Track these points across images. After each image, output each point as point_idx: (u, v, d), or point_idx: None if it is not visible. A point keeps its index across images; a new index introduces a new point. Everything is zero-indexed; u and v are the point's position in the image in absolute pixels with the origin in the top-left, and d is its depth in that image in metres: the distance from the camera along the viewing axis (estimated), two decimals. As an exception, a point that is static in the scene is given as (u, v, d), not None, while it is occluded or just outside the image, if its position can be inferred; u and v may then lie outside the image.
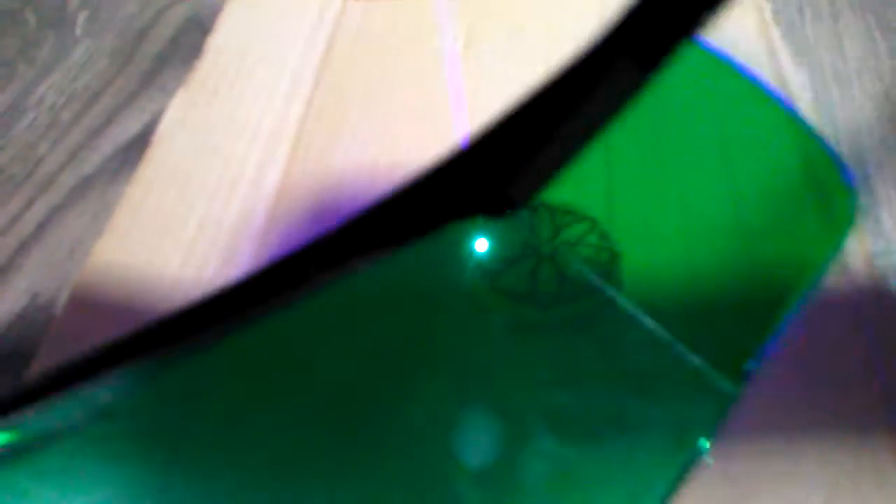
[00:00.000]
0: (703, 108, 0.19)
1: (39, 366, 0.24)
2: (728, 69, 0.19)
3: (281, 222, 0.27)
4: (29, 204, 0.29)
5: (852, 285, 0.23)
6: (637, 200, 0.19)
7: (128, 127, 0.32)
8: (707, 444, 0.17)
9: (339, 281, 0.14)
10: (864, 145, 0.27)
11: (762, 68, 0.29)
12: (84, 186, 0.30)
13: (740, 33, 0.31)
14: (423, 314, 0.18)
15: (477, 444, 0.17)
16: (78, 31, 0.36)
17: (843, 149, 0.27)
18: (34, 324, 0.26)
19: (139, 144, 0.31)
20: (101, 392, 0.13)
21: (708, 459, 0.17)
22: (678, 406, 0.17)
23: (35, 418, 0.13)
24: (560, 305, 0.18)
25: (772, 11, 0.31)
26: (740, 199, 0.19)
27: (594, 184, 0.19)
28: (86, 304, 0.25)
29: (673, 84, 0.17)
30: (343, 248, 0.13)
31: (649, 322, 0.17)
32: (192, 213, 0.27)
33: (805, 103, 0.28)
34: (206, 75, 0.32)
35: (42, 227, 0.29)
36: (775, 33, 0.31)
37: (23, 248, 0.28)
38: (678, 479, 0.17)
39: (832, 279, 0.23)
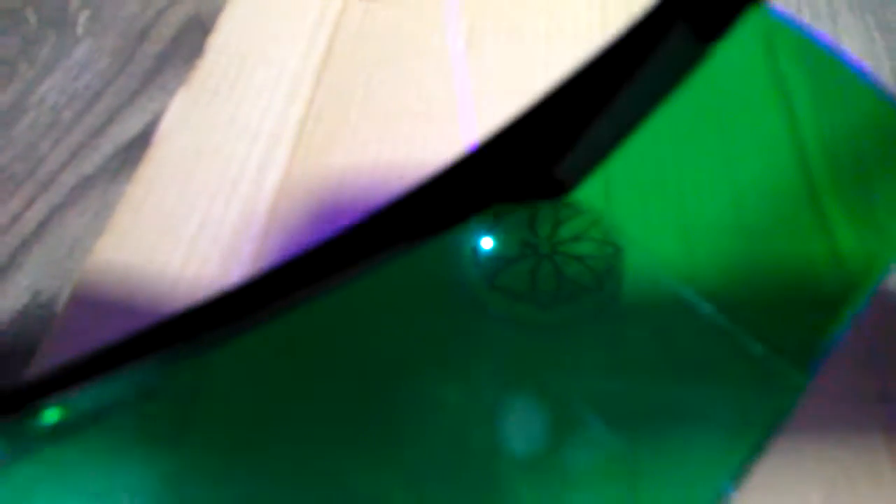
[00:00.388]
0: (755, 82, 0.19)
1: (40, 363, 0.24)
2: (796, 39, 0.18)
3: (281, 222, 0.27)
4: (30, 203, 0.29)
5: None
6: (638, 193, 0.19)
7: (129, 126, 0.32)
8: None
9: (362, 276, 0.14)
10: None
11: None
12: (85, 185, 0.30)
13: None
14: (434, 312, 0.18)
15: (522, 432, 0.17)
16: (79, 30, 0.36)
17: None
18: (35, 321, 0.26)
19: (140, 144, 0.31)
20: (145, 373, 0.13)
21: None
22: (741, 395, 0.17)
23: (83, 397, 0.13)
24: (559, 305, 0.18)
25: (771, 12, 0.32)
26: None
27: (594, 176, 0.19)
28: (87, 302, 0.25)
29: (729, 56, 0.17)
30: (382, 233, 0.13)
31: (707, 308, 0.17)
32: (192, 213, 0.27)
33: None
34: (207, 75, 0.32)
35: (43, 225, 0.29)
36: None
37: (24, 246, 0.28)
38: (738, 472, 0.17)
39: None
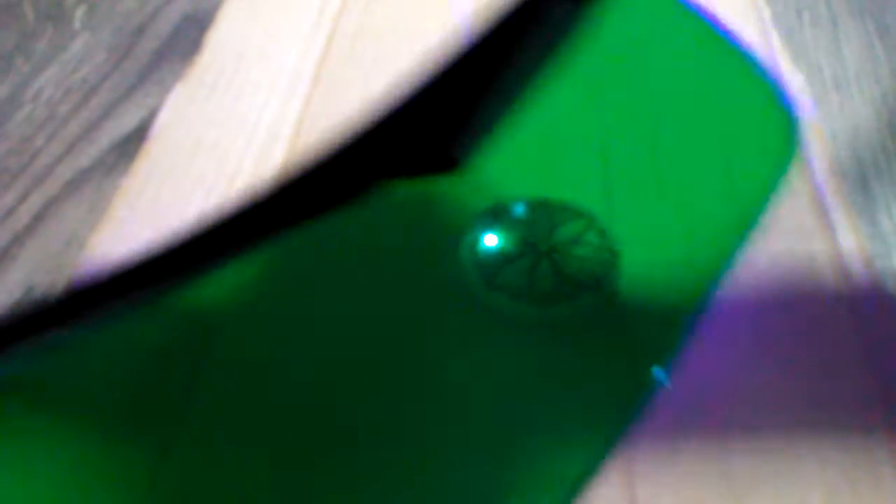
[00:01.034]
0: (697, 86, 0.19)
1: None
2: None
3: (278, 217, 0.27)
4: (25, 196, 0.29)
5: (851, 286, 0.23)
6: (636, 197, 0.19)
7: (125, 121, 0.31)
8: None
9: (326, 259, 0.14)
10: (862, 149, 0.27)
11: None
12: (80, 179, 0.30)
13: (741, 35, 0.31)
14: (420, 312, 0.17)
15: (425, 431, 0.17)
16: (76, 24, 0.36)
17: (841, 152, 0.27)
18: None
19: (136, 138, 0.30)
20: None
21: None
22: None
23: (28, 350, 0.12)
24: (558, 303, 0.18)
25: (771, 15, 0.31)
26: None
27: (592, 180, 0.19)
28: (81, 295, 0.25)
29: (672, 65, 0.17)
30: (271, 209, 0.13)
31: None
32: (188, 208, 0.27)
33: (804, 104, 0.28)
34: (204, 70, 0.32)
35: (38, 219, 0.28)
36: (775, 37, 0.31)
37: (18, 240, 0.28)
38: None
39: (832, 280, 0.23)
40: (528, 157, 0.18)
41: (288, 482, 0.16)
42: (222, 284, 0.15)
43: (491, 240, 0.19)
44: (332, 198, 0.13)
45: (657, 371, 0.17)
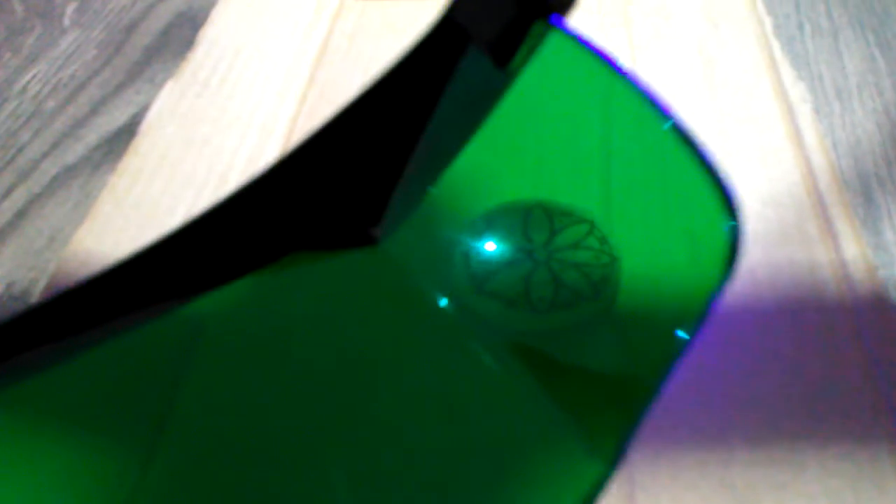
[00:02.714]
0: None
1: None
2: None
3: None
4: (8, 192, 0.28)
5: (854, 296, 0.23)
6: (635, 204, 0.19)
7: (114, 118, 0.31)
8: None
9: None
10: (864, 159, 0.26)
11: (762, 79, 0.29)
12: (66, 176, 0.29)
13: (741, 44, 0.31)
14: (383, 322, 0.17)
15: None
16: (66, 21, 0.35)
17: (843, 162, 0.26)
18: (8, 313, 0.25)
19: (125, 135, 0.30)
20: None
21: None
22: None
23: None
24: (556, 311, 0.18)
25: (773, 25, 0.31)
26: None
27: (593, 186, 0.18)
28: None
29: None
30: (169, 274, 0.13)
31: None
32: (178, 205, 0.26)
33: (804, 115, 0.28)
34: (197, 67, 0.31)
35: (20, 215, 0.28)
36: (776, 46, 0.30)
37: None
38: None
39: (834, 289, 0.23)
40: (526, 164, 0.18)
41: (269, 490, 0.15)
42: (207, 306, 0.15)
43: (484, 245, 0.18)
44: (245, 264, 0.13)
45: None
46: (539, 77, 0.16)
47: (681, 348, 0.17)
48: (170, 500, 0.15)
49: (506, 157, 0.18)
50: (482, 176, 0.18)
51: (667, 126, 0.16)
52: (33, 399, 0.14)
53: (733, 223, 0.16)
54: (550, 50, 0.15)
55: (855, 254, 0.24)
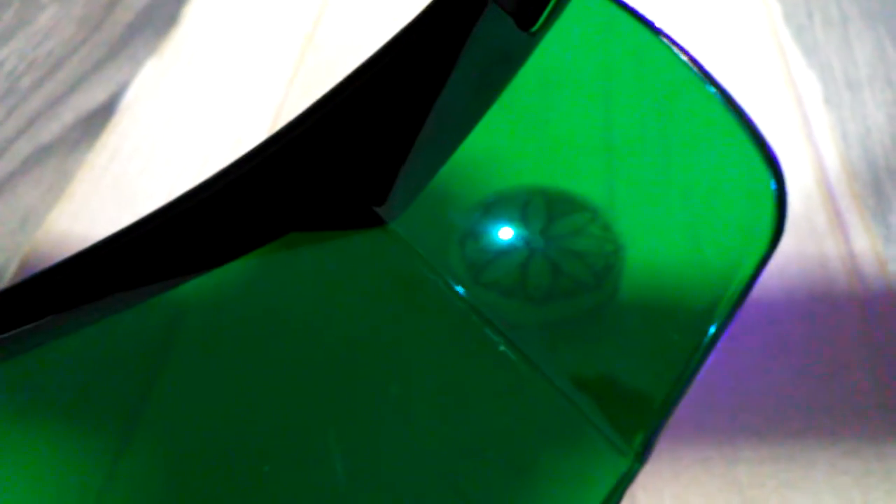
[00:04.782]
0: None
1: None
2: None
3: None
4: (-21, 170, 0.27)
5: (864, 289, 0.22)
6: (640, 192, 0.18)
7: (93, 96, 0.29)
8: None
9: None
10: (874, 151, 0.26)
11: (771, 66, 0.29)
12: (41, 155, 0.28)
13: (749, 31, 0.30)
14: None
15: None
16: (45, -3, 0.34)
17: (853, 153, 0.26)
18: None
19: (104, 114, 0.29)
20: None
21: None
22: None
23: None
24: (555, 301, 0.17)
25: (782, 14, 0.31)
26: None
27: (595, 173, 0.17)
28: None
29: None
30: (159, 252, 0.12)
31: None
32: (158, 186, 0.25)
33: (814, 106, 0.27)
34: (180, 45, 0.30)
35: (-8, 194, 0.26)
36: (785, 34, 0.30)
37: (-30, 214, 0.26)
38: None
39: (844, 282, 0.22)
40: (527, 151, 0.17)
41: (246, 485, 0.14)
42: (188, 294, 0.14)
43: (482, 232, 0.17)
44: (242, 243, 0.12)
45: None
46: (562, 41, 0.14)
47: (709, 339, 0.16)
48: (149, 486, 0.14)
49: (520, 132, 0.17)
50: (490, 156, 0.17)
51: (712, 90, 0.14)
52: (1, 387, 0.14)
53: (779, 198, 0.15)
54: (576, 9, 0.14)
55: (865, 246, 0.23)
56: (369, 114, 0.13)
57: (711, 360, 0.21)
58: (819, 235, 0.23)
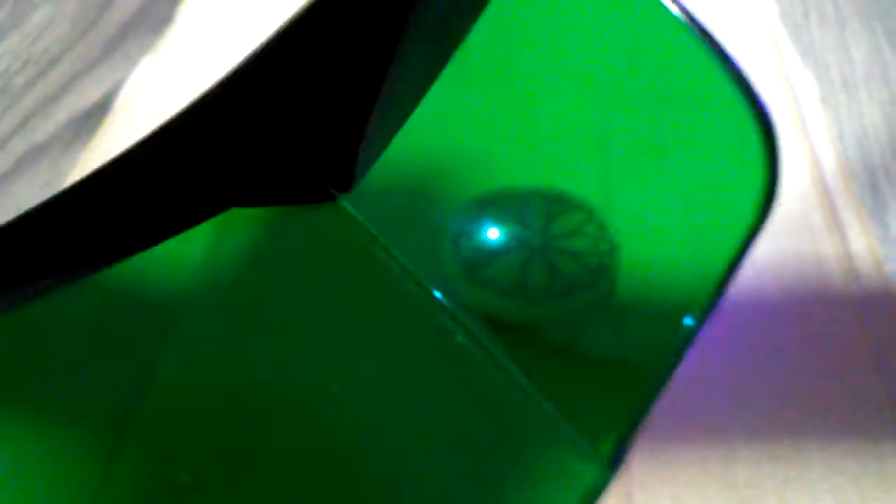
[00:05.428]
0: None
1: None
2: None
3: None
4: (-27, 169, 0.27)
5: (861, 289, 0.22)
6: (636, 191, 0.18)
7: (87, 95, 0.29)
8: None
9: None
10: (871, 150, 0.26)
11: (766, 64, 0.29)
12: (35, 154, 0.28)
13: (746, 30, 0.30)
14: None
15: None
16: (39, -5, 0.34)
17: (850, 153, 0.26)
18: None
19: (98, 113, 0.28)
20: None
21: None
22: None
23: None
24: (552, 300, 0.17)
25: (778, 13, 0.31)
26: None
27: (590, 172, 0.17)
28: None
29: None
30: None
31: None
32: (152, 185, 0.25)
33: (810, 105, 0.27)
34: (176, 43, 0.30)
35: (-15, 194, 0.26)
36: (782, 33, 0.30)
37: (-37, 214, 0.26)
38: None
39: (841, 282, 0.22)
40: (523, 148, 0.17)
41: (239, 483, 0.14)
42: (179, 274, 0.13)
43: (478, 231, 0.17)
44: (168, 222, 0.11)
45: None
46: None
47: (684, 338, 0.16)
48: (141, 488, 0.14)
49: (508, 126, 0.16)
50: (480, 152, 0.16)
51: (718, 61, 0.14)
52: None
53: (772, 184, 0.14)
54: None
55: (862, 246, 0.23)
56: (308, 65, 0.12)
57: (711, 360, 0.21)
58: (815, 235, 0.23)
